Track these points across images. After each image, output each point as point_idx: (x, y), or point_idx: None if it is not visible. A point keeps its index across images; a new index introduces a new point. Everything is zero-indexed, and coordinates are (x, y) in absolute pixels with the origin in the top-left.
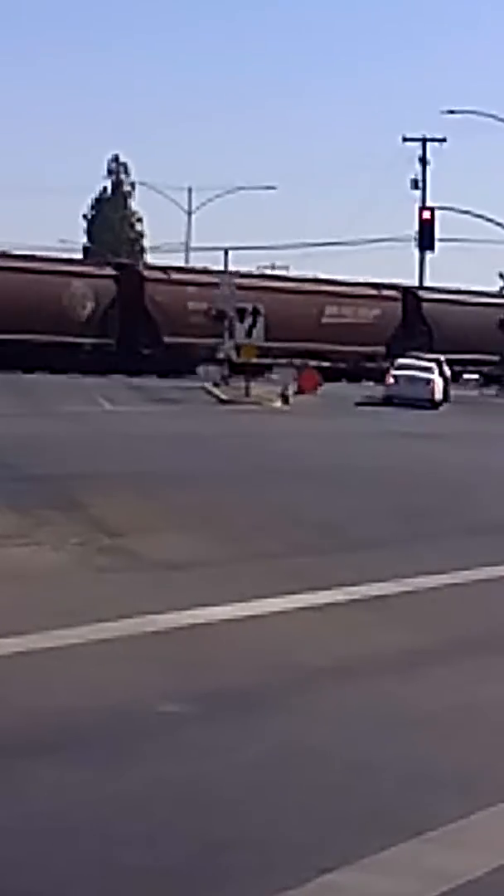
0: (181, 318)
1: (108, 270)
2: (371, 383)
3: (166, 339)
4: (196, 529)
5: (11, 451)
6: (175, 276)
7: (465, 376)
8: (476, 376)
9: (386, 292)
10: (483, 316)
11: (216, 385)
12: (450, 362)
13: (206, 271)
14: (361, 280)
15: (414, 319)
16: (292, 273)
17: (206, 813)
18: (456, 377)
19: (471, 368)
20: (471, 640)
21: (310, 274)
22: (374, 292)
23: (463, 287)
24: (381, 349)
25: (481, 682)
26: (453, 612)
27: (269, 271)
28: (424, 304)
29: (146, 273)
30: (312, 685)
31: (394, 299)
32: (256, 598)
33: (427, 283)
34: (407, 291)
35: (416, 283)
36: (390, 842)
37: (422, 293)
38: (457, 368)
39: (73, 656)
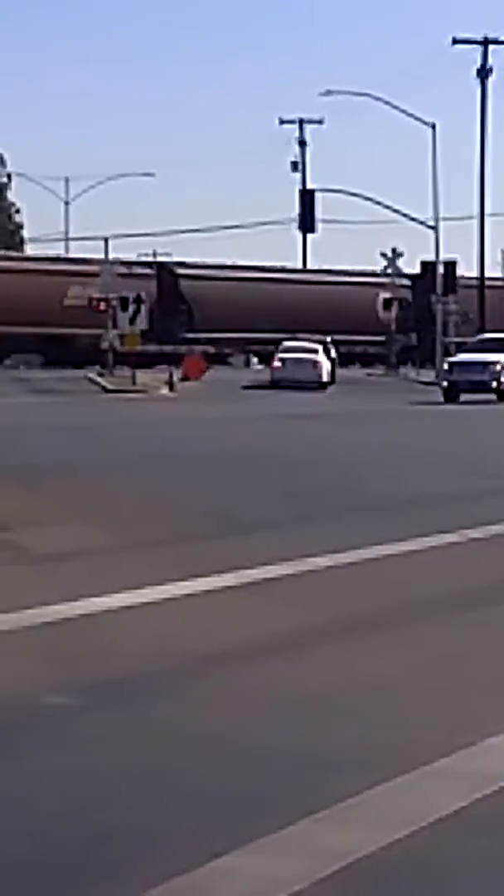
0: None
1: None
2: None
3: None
4: (84, 520)
5: None
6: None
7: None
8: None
9: (138, 270)
10: (358, 294)
11: (100, 374)
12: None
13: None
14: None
15: (170, 297)
16: (31, 252)
17: (95, 803)
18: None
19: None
20: (359, 619)
21: (52, 253)
22: (124, 270)
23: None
24: None
25: (370, 660)
26: (342, 592)
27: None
28: (182, 281)
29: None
30: (202, 670)
31: (146, 277)
32: (146, 585)
33: (310, 265)
34: (161, 267)
35: (300, 266)
36: (283, 823)
37: (180, 269)
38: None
39: None
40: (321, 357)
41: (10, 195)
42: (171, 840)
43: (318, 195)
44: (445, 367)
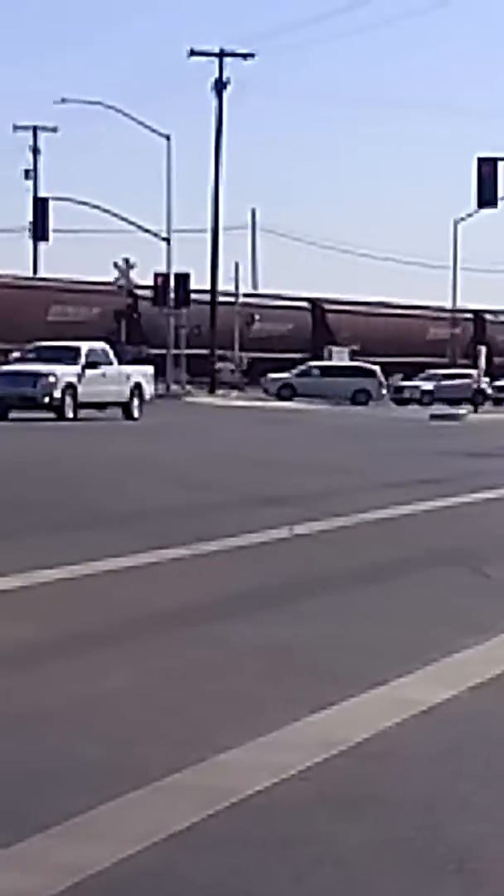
0: None
1: None
2: None
3: None
4: None
5: None
6: None
7: None
8: None
9: None
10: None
11: None
12: None
13: None
14: None
15: None
16: None
17: None
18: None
19: None
20: (90, 633)
21: None
22: None
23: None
24: None
25: (102, 675)
26: (73, 606)
27: None
28: None
29: None
30: None
31: None
32: None
33: (41, 274)
34: None
35: (31, 274)
36: (16, 838)
37: None
38: None
39: None
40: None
41: None
42: None
43: (51, 203)
44: None
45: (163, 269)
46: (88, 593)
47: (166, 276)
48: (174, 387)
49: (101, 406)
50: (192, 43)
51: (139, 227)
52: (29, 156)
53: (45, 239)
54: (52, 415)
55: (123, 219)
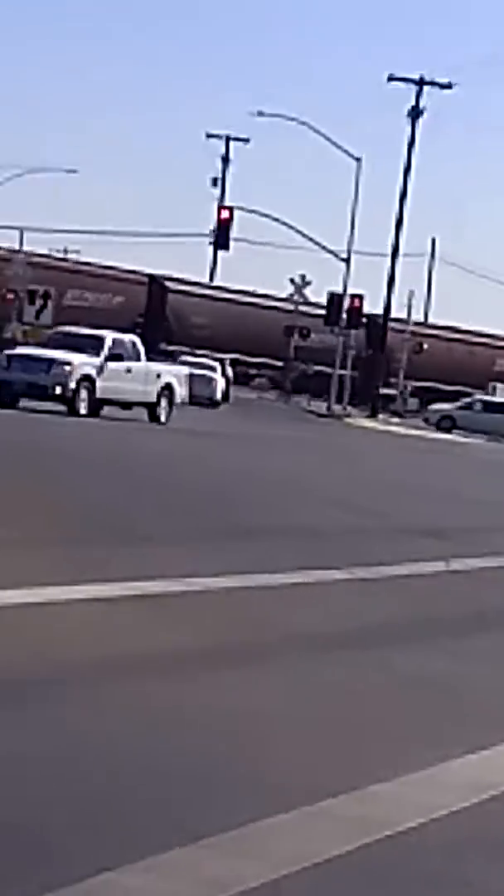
0: None
1: None
2: None
3: None
4: None
5: None
6: None
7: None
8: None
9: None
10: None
11: None
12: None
13: None
14: None
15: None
16: None
17: None
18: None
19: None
20: (244, 647)
21: None
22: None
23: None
24: None
25: (253, 690)
26: (228, 617)
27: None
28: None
29: None
30: (91, 680)
31: (135, 283)
32: (37, 585)
33: (217, 282)
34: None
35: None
36: (169, 846)
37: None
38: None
39: None
40: (217, 374)
41: None
42: (55, 852)
43: (235, 213)
44: (3, 362)
45: (335, 288)
46: (244, 606)
47: (341, 296)
48: (336, 407)
49: (124, 405)
50: (393, 68)
51: (320, 245)
52: (218, 164)
53: (226, 248)
54: (63, 407)
55: (305, 236)
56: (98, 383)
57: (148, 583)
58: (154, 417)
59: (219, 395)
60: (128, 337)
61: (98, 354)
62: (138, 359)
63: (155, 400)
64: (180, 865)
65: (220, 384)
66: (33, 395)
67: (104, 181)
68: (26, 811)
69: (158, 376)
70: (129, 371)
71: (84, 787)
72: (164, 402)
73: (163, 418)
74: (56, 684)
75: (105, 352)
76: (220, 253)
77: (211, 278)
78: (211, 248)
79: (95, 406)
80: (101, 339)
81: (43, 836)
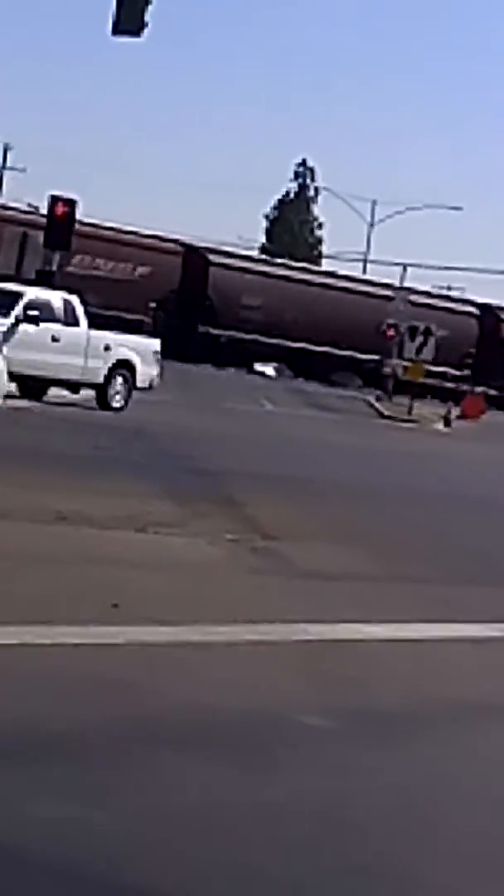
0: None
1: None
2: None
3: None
4: (348, 542)
5: (177, 443)
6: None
7: None
8: None
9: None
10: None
11: (378, 399)
12: None
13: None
14: None
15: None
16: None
17: (345, 833)
18: None
19: None
20: None
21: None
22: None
23: None
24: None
25: None
26: None
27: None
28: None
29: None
30: (472, 720)
31: (470, 315)
32: (408, 621)
33: None
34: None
35: None
36: None
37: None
38: None
39: (222, 654)
40: None
41: (316, 210)
42: (412, 890)
43: None
44: None
45: None
46: None
47: None
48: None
49: (53, 383)
50: None
51: None
52: None
53: None
54: None
55: None
56: (3, 350)
57: None
58: (103, 403)
59: None
60: (59, 294)
61: (7, 315)
62: (76, 324)
63: (102, 380)
64: None
65: None
66: None
67: (492, 218)
68: (396, 846)
69: (107, 349)
70: (55, 339)
71: (458, 829)
72: (118, 384)
73: (115, 403)
74: (449, 721)
75: (18, 312)
76: None
77: None
78: None
79: None
80: (16, 296)
81: (404, 873)
